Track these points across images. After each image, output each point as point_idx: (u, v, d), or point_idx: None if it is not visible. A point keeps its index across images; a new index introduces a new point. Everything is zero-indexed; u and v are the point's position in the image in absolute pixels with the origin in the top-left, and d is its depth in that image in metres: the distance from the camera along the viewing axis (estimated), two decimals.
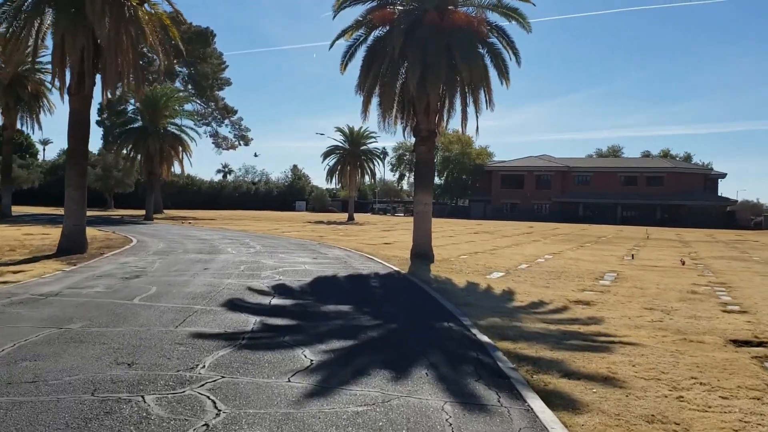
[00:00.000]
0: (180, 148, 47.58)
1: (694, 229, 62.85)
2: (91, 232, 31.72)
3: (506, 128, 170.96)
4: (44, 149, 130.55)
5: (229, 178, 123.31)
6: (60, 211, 60.64)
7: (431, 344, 8.16)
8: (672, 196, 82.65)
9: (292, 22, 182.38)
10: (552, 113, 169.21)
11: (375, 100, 19.34)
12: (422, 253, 19.37)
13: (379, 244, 27.61)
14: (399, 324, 9.65)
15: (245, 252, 20.78)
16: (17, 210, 49.00)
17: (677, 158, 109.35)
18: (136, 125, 48.13)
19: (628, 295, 13.52)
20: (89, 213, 61.71)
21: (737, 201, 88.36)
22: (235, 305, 10.48)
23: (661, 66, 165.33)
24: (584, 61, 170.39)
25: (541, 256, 23.87)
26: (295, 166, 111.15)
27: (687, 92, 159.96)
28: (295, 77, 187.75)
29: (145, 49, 23.70)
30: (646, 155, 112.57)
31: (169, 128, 47.83)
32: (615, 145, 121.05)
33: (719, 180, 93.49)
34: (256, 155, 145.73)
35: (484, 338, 8.63)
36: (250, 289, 12.45)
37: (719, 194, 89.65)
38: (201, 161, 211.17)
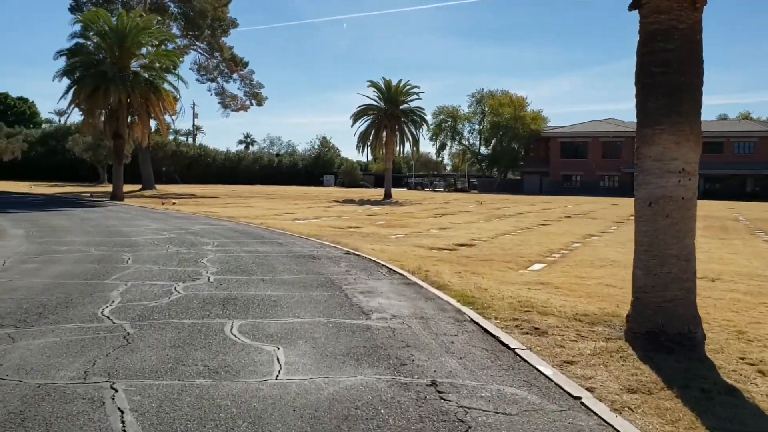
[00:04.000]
0: (158, 101, 34.05)
1: None
2: None
3: (547, 98, 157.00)
4: (59, 120, 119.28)
5: (252, 149, 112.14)
6: (26, 188, 49.56)
7: None
8: (766, 165, 69.18)
9: None
10: (584, 84, 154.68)
11: None
12: (678, 330, 5.86)
13: (454, 248, 15.26)
14: None
15: (138, 309, 7.87)
16: None
17: (759, 120, 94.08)
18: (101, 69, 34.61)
19: None
20: (69, 189, 50.45)
21: None
22: None
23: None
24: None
25: None
26: (324, 138, 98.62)
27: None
28: (322, 51, 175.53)
29: None
30: (723, 118, 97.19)
31: (141, 73, 34.11)
32: None
33: None
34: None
35: None
36: None
37: None
38: (220, 131, 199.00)
